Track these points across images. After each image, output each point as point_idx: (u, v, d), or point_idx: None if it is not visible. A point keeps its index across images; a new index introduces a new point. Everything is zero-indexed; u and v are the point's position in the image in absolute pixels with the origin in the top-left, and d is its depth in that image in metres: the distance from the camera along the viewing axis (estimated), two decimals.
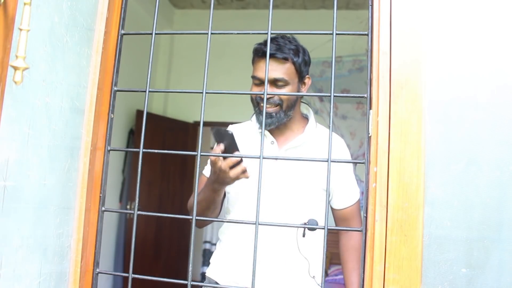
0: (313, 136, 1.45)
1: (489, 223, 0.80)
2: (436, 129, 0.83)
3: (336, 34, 0.87)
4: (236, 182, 1.30)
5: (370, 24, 0.88)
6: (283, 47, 1.37)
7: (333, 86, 0.88)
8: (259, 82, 1.40)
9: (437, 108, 0.83)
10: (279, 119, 1.38)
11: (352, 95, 0.89)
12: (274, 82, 1.36)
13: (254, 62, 1.44)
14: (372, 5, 0.88)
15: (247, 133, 1.50)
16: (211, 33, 0.90)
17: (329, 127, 0.87)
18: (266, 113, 1.36)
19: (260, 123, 1.40)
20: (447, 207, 0.81)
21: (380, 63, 0.85)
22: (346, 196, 1.45)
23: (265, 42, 1.41)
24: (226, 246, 1.47)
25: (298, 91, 1.42)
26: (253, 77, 1.41)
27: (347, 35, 1.05)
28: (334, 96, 0.87)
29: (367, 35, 0.88)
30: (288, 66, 1.38)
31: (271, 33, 0.91)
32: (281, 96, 1.36)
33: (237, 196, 1.45)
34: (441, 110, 0.83)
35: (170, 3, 4.61)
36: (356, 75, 3.90)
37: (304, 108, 1.52)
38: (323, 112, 4.03)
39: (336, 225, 1.50)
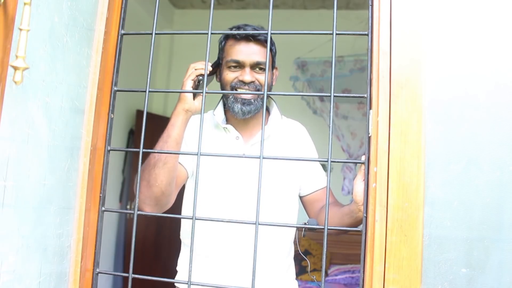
0: (278, 128, 1.41)
1: (489, 223, 0.80)
2: (436, 129, 0.83)
3: (336, 34, 0.87)
4: (201, 180, 1.29)
5: (370, 24, 0.88)
6: (261, 30, 1.32)
7: (333, 86, 0.88)
8: (237, 66, 1.32)
9: (437, 108, 0.83)
10: (257, 106, 1.32)
11: (352, 95, 0.89)
12: (255, 66, 1.31)
13: (227, 45, 1.36)
14: (372, 5, 0.88)
15: (208, 127, 1.41)
16: (211, 33, 0.90)
17: (329, 127, 0.87)
18: (245, 100, 1.31)
19: (239, 112, 1.32)
20: (447, 207, 0.81)
21: (380, 63, 0.85)
22: (314, 179, 1.42)
23: (238, 27, 1.36)
24: (195, 250, 1.35)
25: (271, 80, 1.39)
26: (231, 61, 1.32)
27: (347, 35, 1.05)
28: (334, 96, 0.87)
29: (367, 35, 0.88)
30: (267, 51, 1.36)
31: (271, 33, 0.91)
32: (260, 81, 1.31)
33: (202, 196, 1.34)
34: (441, 110, 0.83)
35: (170, 3, 4.61)
36: (358, 75, 3.90)
37: (267, 101, 1.46)
38: (323, 112, 4.04)
39: (308, 212, 1.45)
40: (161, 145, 1.22)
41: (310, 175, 1.43)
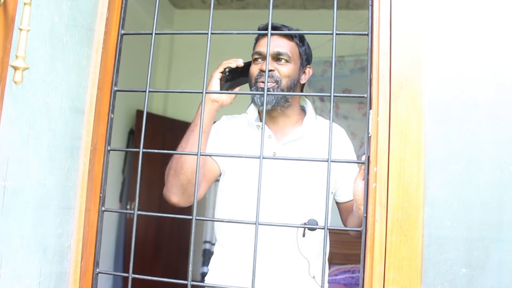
0: (312, 128, 1.41)
1: (489, 223, 0.80)
2: (436, 129, 0.83)
3: (336, 34, 0.87)
4: (232, 178, 1.29)
5: (370, 24, 0.88)
6: (290, 28, 1.37)
7: (333, 86, 0.88)
8: (260, 58, 1.36)
9: (437, 108, 0.83)
10: (277, 98, 1.33)
11: (352, 95, 0.89)
12: (276, 57, 1.34)
13: (257, 40, 1.41)
14: (372, 5, 0.88)
15: (242, 125, 1.45)
16: (211, 33, 0.90)
17: (329, 127, 0.87)
18: (263, 89, 1.32)
19: (258, 102, 1.36)
20: (447, 207, 0.81)
21: (380, 63, 0.85)
22: (351, 188, 1.41)
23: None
24: (225, 249, 1.40)
25: (299, 78, 1.39)
26: (255, 53, 1.38)
27: (347, 35, 1.05)
28: (334, 96, 0.87)
29: (367, 35, 0.88)
30: (293, 45, 1.37)
31: (271, 33, 0.91)
32: (281, 72, 1.33)
33: (232, 193, 1.38)
34: (441, 110, 0.83)
35: (170, 3, 4.61)
36: (358, 75, 3.90)
37: (302, 100, 1.48)
38: (323, 112, 4.03)
39: (342, 217, 1.45)
40: (188, 134, 1.29)
41: (347, 183, 1.39)
